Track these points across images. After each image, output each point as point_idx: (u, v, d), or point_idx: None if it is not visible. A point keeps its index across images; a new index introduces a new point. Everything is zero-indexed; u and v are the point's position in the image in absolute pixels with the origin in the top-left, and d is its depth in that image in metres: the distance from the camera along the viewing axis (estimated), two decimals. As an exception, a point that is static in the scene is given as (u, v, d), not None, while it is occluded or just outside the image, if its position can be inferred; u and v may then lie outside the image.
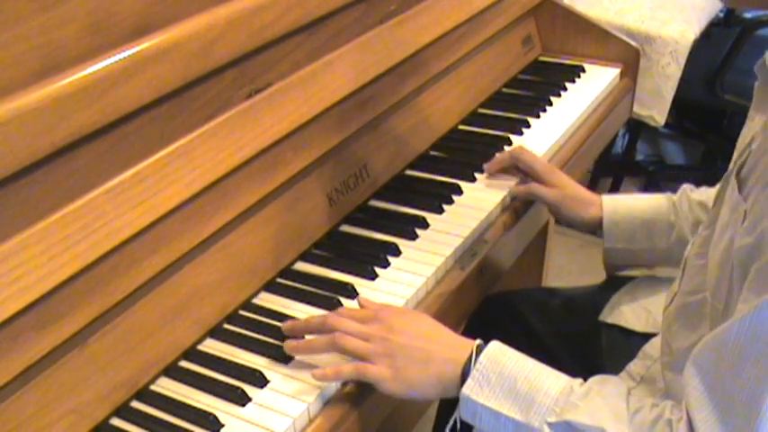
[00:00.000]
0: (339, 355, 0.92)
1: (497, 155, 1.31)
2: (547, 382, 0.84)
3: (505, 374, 0.85)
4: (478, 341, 0.89)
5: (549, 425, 0.81)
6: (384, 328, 0.90)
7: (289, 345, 0.93)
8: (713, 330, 0.76)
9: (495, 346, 0.88)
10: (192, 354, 0.97)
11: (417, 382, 0.88)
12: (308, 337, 0.95)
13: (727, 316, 0.82)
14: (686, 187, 1.20)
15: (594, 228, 1.26)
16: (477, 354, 0.86)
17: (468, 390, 0.85)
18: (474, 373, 0.85)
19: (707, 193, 1.17)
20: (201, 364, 0.95)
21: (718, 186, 1.02)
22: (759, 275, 0.73)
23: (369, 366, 0.88)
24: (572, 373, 0.87)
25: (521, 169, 1.28)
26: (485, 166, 1.31)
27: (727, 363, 0.73)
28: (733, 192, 0.84)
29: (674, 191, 1.22)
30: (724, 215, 0.86)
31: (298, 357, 0.94)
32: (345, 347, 0.90)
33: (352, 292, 1.04)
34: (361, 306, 0.97)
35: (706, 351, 0.76)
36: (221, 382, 0.92)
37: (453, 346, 0.89)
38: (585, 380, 0.86)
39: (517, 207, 1.26)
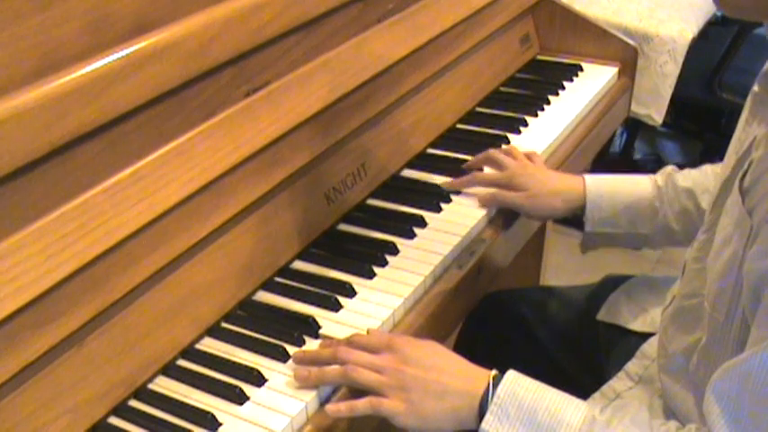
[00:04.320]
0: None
1: (459, 178, 1.27)
2: (567, 412, 0.81)
3: (524, 406, 0.82)
4: (494, 372, 0.86)
5: None
6: (397, 360, 0.88)
7: (299, 375, 0.91)
8: (718, 343, 0.76)
9: (511, 377, 0.85)
10: (190, 352, 0.97)
11: (432, 415, 0.86)
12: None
13: (730, 327, 0.82)
14: (670, 170, 1.17)
15: (573, 214, 1.22)
16: (494, 386, 0.84)
17: (487, 425, 0.83)
18: (492, 407, 0.83)
19: (692, 179, 1.14)
20: (199, 363, 0.95)
21: (702, 171, 1.00)
22: None
23: (383, 401, 0.86)
24: (570, 372, 0.87)
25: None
26: (443, 185, 1.27)
27: (751, 393, 0.73)
28: (736, 203, 0.83)
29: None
30: (726, 226, 0.85)
31: (322, 386, 0.91)
32: (358, 381, 0.88)
33: (350, 291, 1.04)
34: (371, 335, 0.95)
35: (726, 380, 0.75)
36: (219, 380, 0.92)
37: (469, 377, 0.87)
38: (586, 384, 0.85)
39: (515, 206, 1.26)
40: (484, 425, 0.83)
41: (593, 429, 0.80)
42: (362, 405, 0.87)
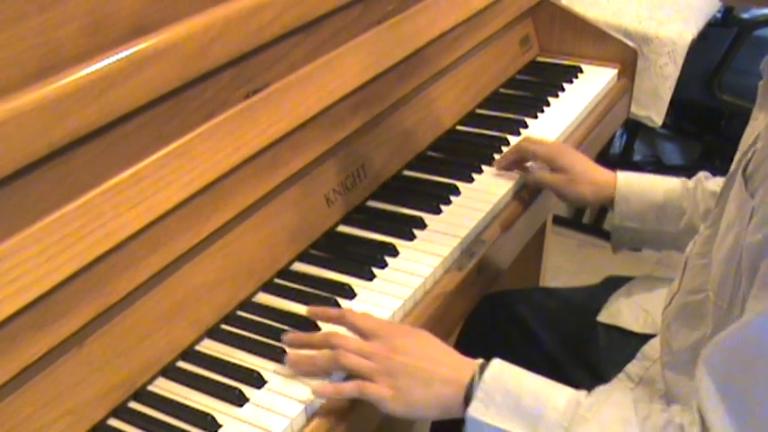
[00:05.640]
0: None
1: (505, 151, 1.33)
2: (553, 396, 0.83)
3: (510, 392, 0.83)
4: (480, 360, 0.88)
5: None
6: (386, 347, 0.89)
7: (291, 359, 0.92)
8: (723, 330, 0.76)
9: (497, 365, 0.86)
10: (190, 354, 0.97)
11: (418, 402, 0.87)
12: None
13: (732, 314, 0.82)
14: (702, 175, 1.20)
15: (602, 205, 1.27)
16: (480, 373, 0.85)
17: (473, 410, 0.84)
18: (478, 393, 0.84)
19: (721, 184, 1.16)
20: (199, 365, 0.95)
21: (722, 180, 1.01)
22: None
23: (369, 385, 0.87)
24: (570, 373, 0.87)
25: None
26: (495, 164, 1.33)
27: (741, 363, 0.73)
28: (739, 190, 0.84)
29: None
30: (729, 213, 0.85)
31: (312, 370, 0.92)
32: (347, 365, 0.89)
33: (349, 293, 1.04)
34: (364, 317, 0.95)
35: (717, 352, 0.76)
36: (219, 382, 0.92)
37: (456, 366, 0.88)
38: (587, 386, 0.86)
39: (515, 207, 1.26)
40: (470, 411, 0.84)
41: (579, 411, 0.81)
42: (349, 388, 0.88)
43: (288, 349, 0.94)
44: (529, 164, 1.31)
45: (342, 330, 0.94)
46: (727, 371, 0.74)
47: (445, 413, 0.88)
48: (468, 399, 0.85)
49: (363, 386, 0.88)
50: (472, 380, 0.85)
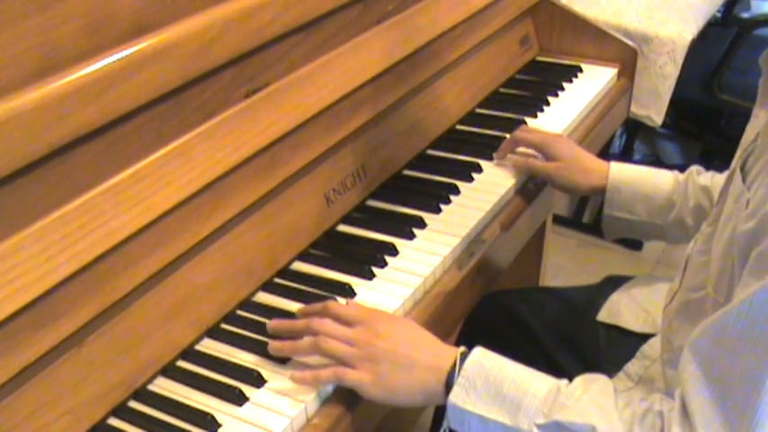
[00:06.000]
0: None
1: (503, 143, 1.35)
2: (533, 384, 0.83)
3: (491, 379, 0.84)
4: (462, 348, 0.88)
5: (539, 426, 0.81)
6: (369, 333, 0.89)
7: (274, 346, 0.93)
8: (711, 316, 0.76)
9: (478, 352, 0.87)
10: (190, 353, 0.97)
11: (400, 387, 0.87)
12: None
13: None
14: (694, 169, 1.21)
15: (594, 194, 1.28)
16: (462, 361, 0.86)
17: (454, 397, 0.85)
18: (459, 380, 0.85)
19: (712, 179, 1.17)
20: (199, 364, 0.95)
21: (724, 175, 1.02)
22: (759, 259, 0.73)
23: (347, 371, 0.88)
24: (570, 373, 0.87)
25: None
26: (494, 155, 1.34)
27: (726, 347, 0.73)
28: (736, 183, 0.84)
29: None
30: (728, 208, 0.86)
31: (295, 357, 0.94)
32: (328, 351, 0.89)
33: (349, 292, 1.04)
34: (347, 306, 0.96)
35: (704, 336, 0.76)
36: (219, 381, 0.92)
37: (438, 353, 0.88)
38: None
39: (515, 207, 1.26)
40: (451, 397, 0.85)
41: (559, 399, 0.81)
42: (326, 375, 0.88)
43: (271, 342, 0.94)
44: (522, 149, 1.33)
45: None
46: (711, 355, 0.75)
47: (427, 400, 0.88)
48: (449, 385, 0.85)
49: (342, 372, 0.88)
50: (454, 366, 0.86)
